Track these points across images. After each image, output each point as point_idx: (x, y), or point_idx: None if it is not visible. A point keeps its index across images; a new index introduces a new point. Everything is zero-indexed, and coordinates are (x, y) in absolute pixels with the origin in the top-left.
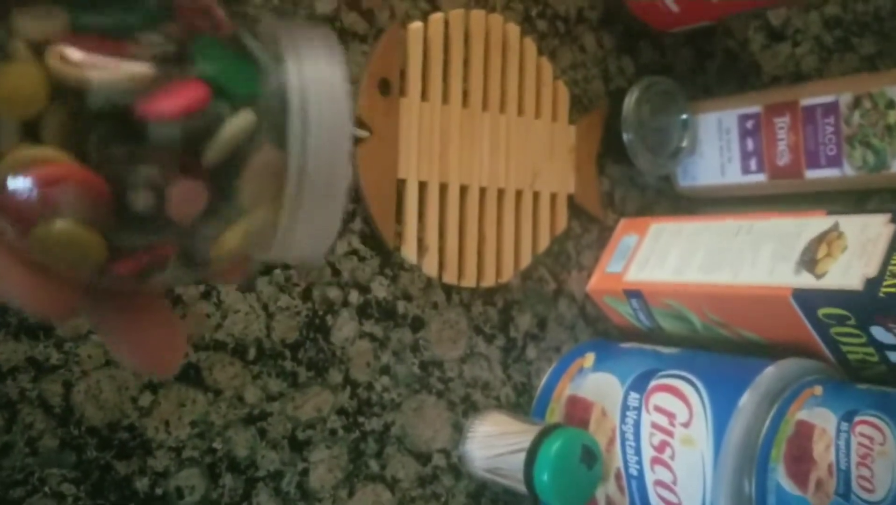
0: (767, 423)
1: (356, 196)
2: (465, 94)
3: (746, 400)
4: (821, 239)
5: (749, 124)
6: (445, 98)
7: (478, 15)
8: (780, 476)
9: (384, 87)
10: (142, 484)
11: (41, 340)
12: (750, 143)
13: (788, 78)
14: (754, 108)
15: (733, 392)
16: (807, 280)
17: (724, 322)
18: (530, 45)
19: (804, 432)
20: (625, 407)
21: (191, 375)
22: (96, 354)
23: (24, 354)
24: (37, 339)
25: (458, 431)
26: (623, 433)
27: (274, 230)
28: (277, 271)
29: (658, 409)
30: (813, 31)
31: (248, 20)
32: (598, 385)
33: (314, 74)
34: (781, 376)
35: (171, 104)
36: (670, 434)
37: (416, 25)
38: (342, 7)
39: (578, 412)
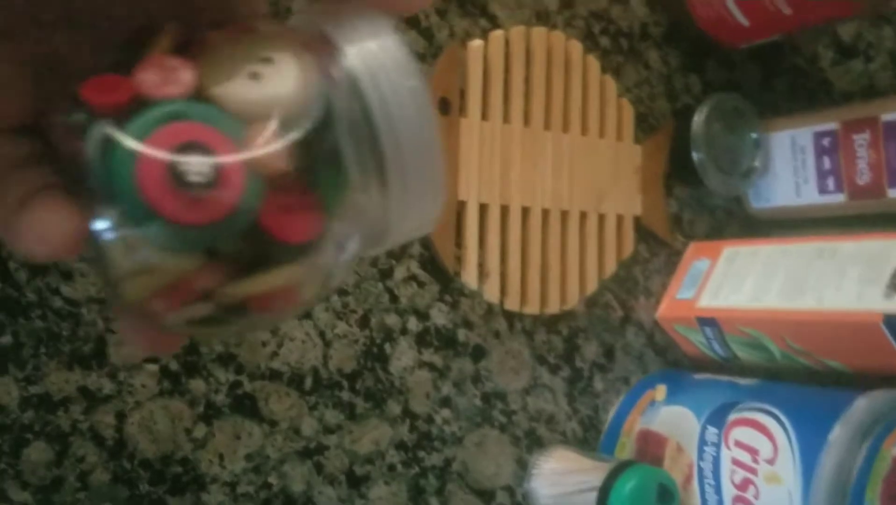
0: (861, 459)
1: None
2: (527, 113)
3: (837, 434)
4: None
5: (825, 142)
6: (506, 117)
7: (539, 32)
8: None
9: (444, 106)
10: None
11: (94, 369)
12: (826, 162)
13: (861, 94)
14: (830, 125)
15: (822, 426)
16: None
17: (807, 351)
18: (593, 63)
19: None
20: (702, 442)
21: (246, 406)
22: (150, 383)
23: (77, 384)
24: (89, 368)
25: (523, 467)
26: (701, 470)
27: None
28: (335, 298)
29: (739, 444)
30: (887, 45)
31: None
32: (672, 419)
33: (377, 58)
34: (874, 409)
35: (299, 233)
36: (753, 471)
37: (476, 44)
38: (400, 25)
39: (651, 448)
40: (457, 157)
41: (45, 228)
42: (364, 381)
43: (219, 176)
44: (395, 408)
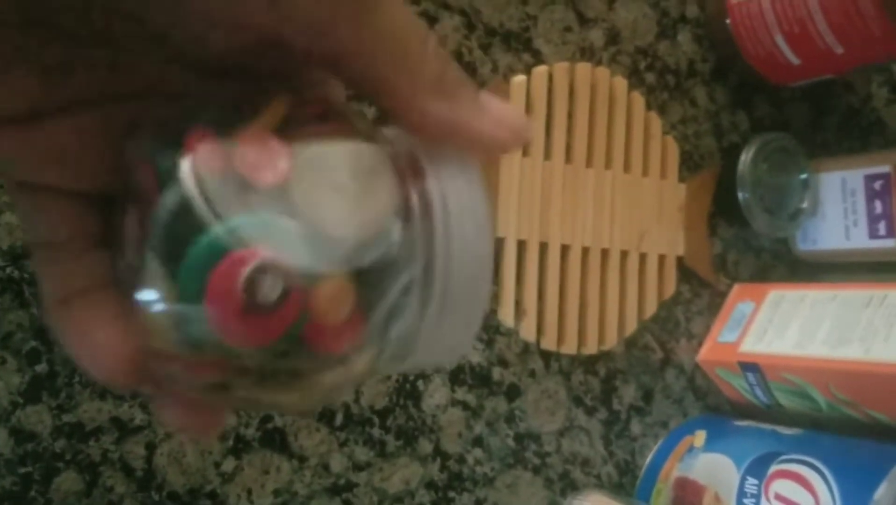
0: None
1: None
2: (569, 149)
3: (883, 493)
4: None
5: (877, 185)
6: (548, 153)
7: (583, 68)
8: None
9: None
10: None
11: (126, 399)
12: (878, 206)
13: None
14: (883, 168)
15: (867, 483)
16: None
17: (853, 401)
18: (638, 99)
19: None
20: (741, 494)
21: (276, 441)
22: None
23: (109, 414)
24: (122, 398)
25: None
26: None
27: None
28: None
29: (780, 497)
30: None
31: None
32: (711, 467)
33: (454, 191)
34: None
35: (335, 348)
36: None
37: (520, 79)
38: None
39: (688, 496)
40: (496, 193)
41: (101, 352)
42: (395, 418)
43: (283, 302)
44: (426, 446)
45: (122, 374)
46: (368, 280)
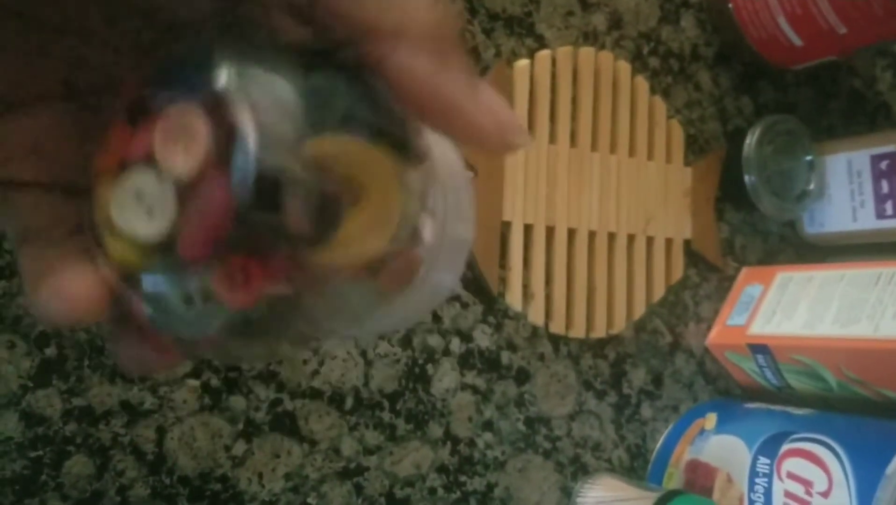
0: None
1: None
2: (574, 133)
3: (895, 468)
4: None
5: (883, 165)
6: (553, 138)
7: (587, 52)
8: None
9: None
10: None
11: (136, 383)
12: (885, 186)
13: None
14: (889, 148)
15: (879, 459)
16: None
17: (863, 380)
18: (642, 84)
19: None
20: (753, 473)
21: (286, 424)
22: (191, 399)
23: (119, 398)
24: (131, 382)
25: (567, 495)
26: (752, 503)
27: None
28: None
29: (792, 476)
30: None
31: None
32: (722, 449)
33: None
34: None
35: None
36: (807, 504)
37: (523, 63)
38: None
39: (700, 478)
40: (502, 178)
41: (68, 288)
42: (405, 402)
43: None
44: (436, 430)
45: (87, 310)
46: None
